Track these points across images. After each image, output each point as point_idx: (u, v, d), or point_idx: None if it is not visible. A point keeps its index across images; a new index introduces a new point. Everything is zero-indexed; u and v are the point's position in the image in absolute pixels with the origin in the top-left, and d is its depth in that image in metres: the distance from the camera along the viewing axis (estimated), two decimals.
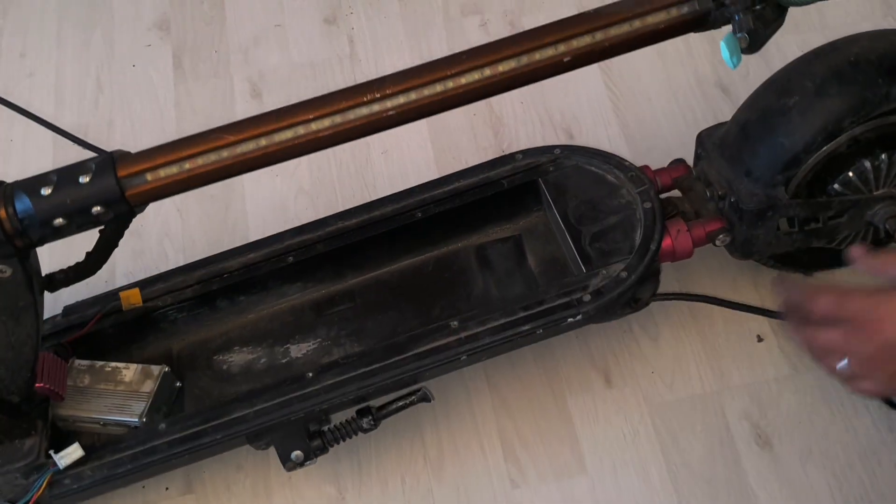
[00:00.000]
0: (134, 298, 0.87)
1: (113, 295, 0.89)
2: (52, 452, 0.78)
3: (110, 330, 0.89)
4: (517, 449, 0.90)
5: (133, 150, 1.12)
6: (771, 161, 0.81)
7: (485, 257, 0.92)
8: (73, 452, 0.78)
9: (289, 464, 0.81)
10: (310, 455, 0.81)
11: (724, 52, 0.72)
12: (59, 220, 0.68)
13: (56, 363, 0.81)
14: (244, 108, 1.17)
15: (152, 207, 1.09)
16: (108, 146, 1.16)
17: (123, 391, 0.84)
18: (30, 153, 1.16)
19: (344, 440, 0.83)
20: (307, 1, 1.26)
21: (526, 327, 0.81)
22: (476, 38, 1.19)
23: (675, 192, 0.91)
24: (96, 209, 0.68)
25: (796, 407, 0.90)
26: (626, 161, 0.89)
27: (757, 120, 0.82)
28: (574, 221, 0.88)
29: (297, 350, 0.89)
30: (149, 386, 0.84)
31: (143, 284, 0.90)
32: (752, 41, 0.69)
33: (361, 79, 1.16)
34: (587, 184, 0.90)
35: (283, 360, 0.89)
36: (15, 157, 1.16)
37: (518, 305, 0.82)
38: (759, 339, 0.94)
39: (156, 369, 0.85)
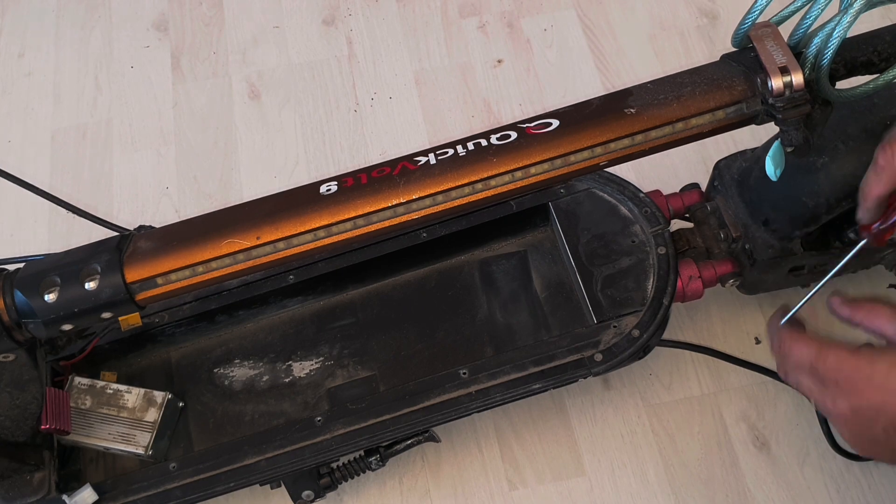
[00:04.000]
0: (133, 320, 0.86)
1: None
2: (65, 497, 0.77)
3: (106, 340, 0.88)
4: (515, 450, 0.90)
5: (131, 149, 1.14)
6: (791, 217, 0.78)
7: (489, 274, 0.92)
8: (88, 497, 0.78)
9: (299, 501, 0.82)
10: (320, 493, 0.82)
11: (769, 167, 0.69)
12: (66, 326, 0.66)
13: (59, 398, 0.79)
14: (242, 110, 1.17)
15: (149, 207, 1.10)
16: (107, 145, 1.16)
17: (127, 418, 0.83)
18: (27, 154, 1.16)
19: (352, 478, 0.85)
20: (305, 2, 1.26)
21: (537, 385, 0.81)
22: (475, 40, 1.19)
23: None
24: (105, 314, 0.66)
25: (794, 409, 0.90)
26: (641, 193, 0.88)
27: (783, 172, 0.75)
28: (585, 260, 0.86)
29: (300, 368, 0.89)
30: (153, 415, 0.83)
31: None
32: (802, 149, 0.66)
33: (360, 80, 1.17)
34: (599, 214, 0.88)
35: (287, 380, 0.89)
36: (13, 156, 1.16)
37: (529, 359, 0.81)
38: (757, 342, 0.94)
39: (159, 396, 0.84)
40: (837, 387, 0.60)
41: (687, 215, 0.90)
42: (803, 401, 0.90)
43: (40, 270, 0.65)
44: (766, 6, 0.66)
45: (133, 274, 0.65)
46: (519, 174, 0.65)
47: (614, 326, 0.82)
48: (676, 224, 0.91)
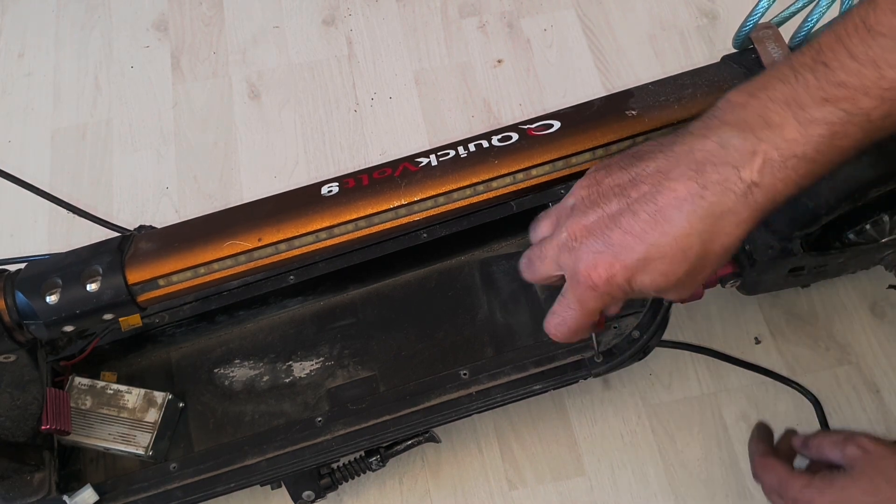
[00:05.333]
0: (133, 320, 0.86)
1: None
2: (66, 497, 0.77)
3: (107, 340, 0.88)
4: (515, 450, 0.91)
5: (131, 149, 1.14)
6: (792, 219, 0.77)
7: (489, 274, 0.92)
8: (88, 498, 0.77)
9: (300, 501, 0.82)
10: (320, 493, 0.82)
11: None
12: (67, 327, 0.66)
13: (60, 398, 0.79)
14: (242, 110, 1.17)
15: (149, 207, 1.10)
16: (107, 145, 1.16)
17: (127, 419, 0.83)
18: (27, 154, 1.16)
19: (353, 478, 0.85)
20: (305, 2, 1.26)
21: (537, 386, 0.81)
22: (474, 40, 1.19)
23: None
24: (107, 316, 0.66)
25: (794, 409, 0.90)
26: None
27: None
28: None
29: (300, 369, 0.89)
30: (153, 416, 0.83)
31: None
32: None
33: (360, 80, 1.17)
34: None
35: (287, 380, 0.89)
36: (13, 156, 1.16)
37: (529, 360, 0.81)
38: (757, 342, 0.94)
39: (159, 396, 0.84)
40: None
41: None
42: (804, 401, 0.90)
43: (42, 271, 0.66)
44: (768, 8, 0.66)
45: (134, 275, 0.65)
46: (520, 176, 0.65)
47: (615, 327, 0.82)
48: None
